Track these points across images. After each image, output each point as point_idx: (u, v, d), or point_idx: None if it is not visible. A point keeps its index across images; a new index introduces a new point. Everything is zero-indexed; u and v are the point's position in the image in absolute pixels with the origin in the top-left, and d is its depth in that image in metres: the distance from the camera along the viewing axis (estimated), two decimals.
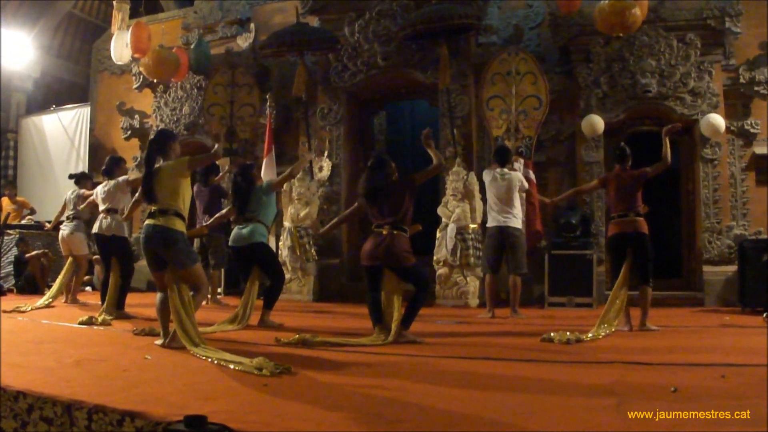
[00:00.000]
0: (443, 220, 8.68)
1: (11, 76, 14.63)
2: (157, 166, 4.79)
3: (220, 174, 8.91)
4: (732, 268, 8.49)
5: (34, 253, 10.29)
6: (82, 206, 8.11)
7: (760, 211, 8.91)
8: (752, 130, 8.97)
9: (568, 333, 5.14)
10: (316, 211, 9.54)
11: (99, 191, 7.40)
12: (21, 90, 15.20)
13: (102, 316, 6.33)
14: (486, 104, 9.13)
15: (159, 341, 4.73)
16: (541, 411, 2.81)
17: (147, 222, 4.74)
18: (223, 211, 6.92)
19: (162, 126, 11.18)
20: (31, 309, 7.38)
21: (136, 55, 10.50)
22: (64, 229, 8.26)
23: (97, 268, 9.76)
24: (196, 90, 11.29)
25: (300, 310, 8.03)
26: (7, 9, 13.97)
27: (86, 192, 8.15)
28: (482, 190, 7.93)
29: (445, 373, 3.78)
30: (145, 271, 6.71)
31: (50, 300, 7.95)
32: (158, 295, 4.78)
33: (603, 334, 5.42)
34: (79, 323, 6.07)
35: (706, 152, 8.80)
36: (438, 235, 8.70)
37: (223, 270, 9.31)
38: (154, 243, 4.66)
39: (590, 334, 5.30)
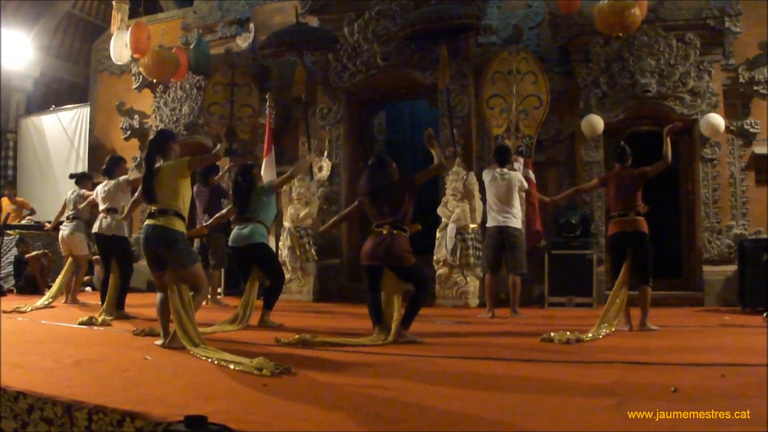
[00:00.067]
0: (443, 220, 8.68)
1: (11, 76, 14.63)
2: (157, 166, 4.79)
3: (220, 174, 8.91)
4: (732, 268, 8.50)
5: (33, 253, 10.29)
6: (82, 205, 8.10)
7: (760, 210, 8.91)
8: (752, 130, 8.98)
9: (568, 333, 5.14)
10: (315, 211, 9.54)
11: (99, 191, 7.40)
12: (20, 90, 15.20)
13: (102, 317, 6.33)
14: (486, 103, 9.14)
15: (159, 341, 4.73)
16: (541, 411, 2.81)
17: (147, 222, 4.74)
18: (224, 210, 6.92)
19: (161, 126, 11.18)
20: (31, 309, 7.38)
21: (136, 55, 10.49)
22: (64, 229, 8.26)
23: (97, 269, 9.75)
24: (195, 90, 11.28)
25: (300, 310, 8.03)
26: (7, 9, 13.96)
27: (86, 192, 8.15)
28: (482, 190, 7.93)
29: (445, 373, 3.78)
30: (145, 271, 6.72)
31: (50, 300, 7.95)
32: (158, 296, 4.78)
33: (603, 333, 5.42)
34: (79, 323, 6.07)
35: (705, 152, 8.81)
36: (438, 235, 8.70)
37: (223, 270, 9.31)
38: (154, 243, 4.66)
39: (590, 334, 5.31)
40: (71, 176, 8.82)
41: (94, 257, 9.01)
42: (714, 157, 8.81)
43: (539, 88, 9.01)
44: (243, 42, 11.55)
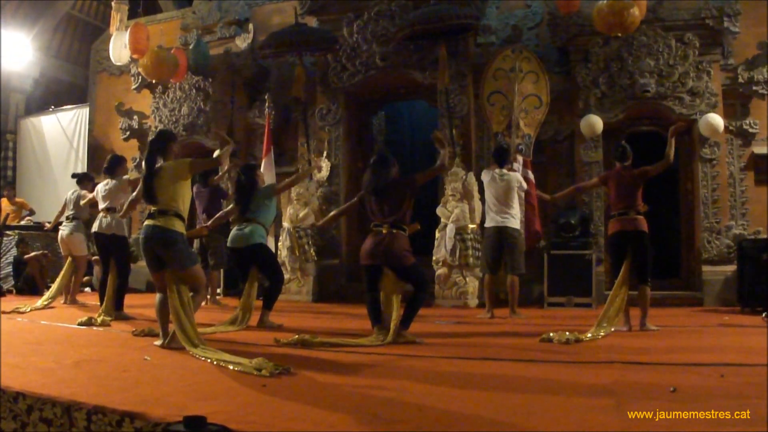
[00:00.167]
0: (442, 220, 8.68)
1: (10, 77, 14.63)
2: (157, 166, 4.79)
3: (219, 174, 8.90)
4: (731, 268, 8.50)
5: (33, 254, 10.29)
6: (83, 201, 8.08)
7: (759, 210, 8.91)
8: (751, 130, 8.98)
9: (567, 333, 5.15)
10: (315, 212, 9.53)
11: (100, 189, 7.40)
12: (20, 91, 15.20)
13: (101, 317, 6.32)
14: (487, 99, 9.10)
15: (158, 342, 4.73)
16: (541, 411, 2.81)
17: (146, 223, 4.75)
18: (224, 210, 6.91)
19: (161, 126, 11.17)
20: (31, 310, 7.38)
21: (135, 56, 10.48)
22: (64, 230, 8.25)
23: (97, 269, 9.74)
24: (194, 90, 11.27)
25: (299, 311, 8.03)
26: (6, 9, 13.96)
27: (86, 193, 8.14)
28: (481, 191, 7.93)
29: (444, 373, 3.78)
30: (145, 271, 6.71)
31: (49, 301, 7.95)
32: (157, 296, 4.78)
33: (602, 333, 5.42)
34: (79, 324, 6.07)
35: (705, 152, 8.81)
36: (437, 235, 8.70)
37: (222, 271, 9.31)
38: (153, 243, 4.66)
39: (589, 334, 5.31)
40: (73, 176, 8.82)
41: (94, 257, 9.01)
42: (713, 157, 8.81)
43: (540, 89, 9.00)
44: (242, 42, 11.55)
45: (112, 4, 10.82)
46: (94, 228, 7.20)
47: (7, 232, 10.99)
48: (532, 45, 9.86)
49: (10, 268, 10.52)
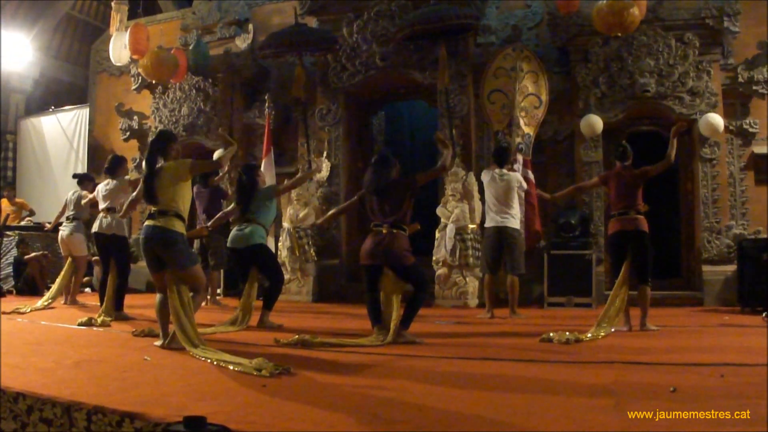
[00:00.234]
0: (442, 220, 8.68)
1: (10, 77, 14.62)
2: (158, 166, 4.79)
3: (220, 175, 8.90)
4: (731, 268, 8.50)
5: (33, 254, 10.29)
6: (85, 200, 8.08)
7: (759, 210, 8.91)
8: (751, 130, 8.97)
9: (567, 333, 5.15)
10: (314, 212, 9.54)
11: (100, 189, 7.40)
12: (20, 91, 15.19)
13: (101, 318, 6.32)
14: (487, 97, 9.08)
15: (158, 342, 4.73)
16: (540, 411, 2.81)
17: (147, 223, 4.74)
18: (225, 210, 6.91)
19: (161, 127, 11.16)
20: (31, 310, 7.38)
21: (135, 56, 10.48)
22: (64, 230, 8.25)
23: (97, 269, 9.74)
24: (194, 91, 11.27)
25: (299, 311, 8.03)
26: (6, 10, 13.95)
27: (87, 193, 8.13)
28: (481, 191, 7.92)
29: (444, 373, 3.78)
30: (145, 272, 6.70)
31: (49, 301, 7.95)
32: (157, 296, 4.78)
33: (602, 334, 5.42)
34: (79, 324, 6.07)
35: (705, 152, 8.80)
36: (437, 235, 8.70)
37: (222, 271, 9.31)
38: (153, 244, 4.66)
39: (589, 334, 5.31)
40: (74, 176, 8.82)
41: (94, 258, 9.01)
42: (713, 156, 8.81)
43: (540, 89, 9.00)
44: (242, 43, 11.54)
45: (112, 4, 10.82)
46: (94, 228, 7.20)
47: (7, 232, 10.98)
48: (531, 45, 9.85)
49: (10, 269, 10.52)
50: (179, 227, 4.68)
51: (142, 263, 5.71)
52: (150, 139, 5.76)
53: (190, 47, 11.14)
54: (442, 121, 9.48)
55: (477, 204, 8.57)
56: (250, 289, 6.27)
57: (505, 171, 7.30)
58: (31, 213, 12.47)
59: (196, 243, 8.39)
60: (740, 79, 8.96)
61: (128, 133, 12.28)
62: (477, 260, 8.35)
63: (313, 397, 3.09)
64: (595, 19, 8.00)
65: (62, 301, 8.31)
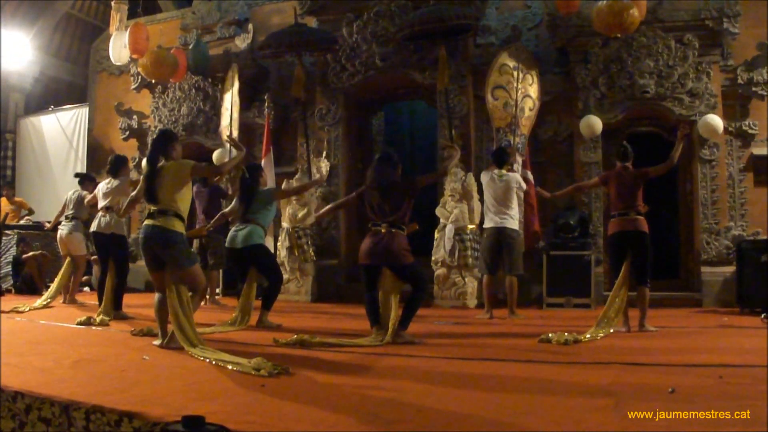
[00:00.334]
0: (441, 220, 8.68)
1: (10, 76, 14.62)
2: (159, 165, 4.79)
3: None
4: (730, 269, 8.49)
5: (31, 253, 10.28)
6: (87, 199, 8.05)
7: (758, 211, 8.91)
8: (750, 131, 8.97)
9: (566, 334, 5.15)
10: (313, 212, 9.53)
11: (101, 188, 7.39)
12: (19, 90, 15.20)
13: (100, 317, 6.32)
14: (491, 93, 9.06)
15: (157, 342, 4.73)
16: (539, 411, 2.81)
17: (146, 222, 4.74)
18: (225, 210, 6.92)
19: (160, 126, 11.17)
20: (29, 309, 7.38)
21: (135, 56, 10.49)
22: (63, 229, 8.24)
23: (96, 269, 9.74)
24: (194, 90, 11.27)
25: (298, 311, 8.03)
26: (6, 9, 13.95)
27: (87, 194, 8.11)
28: (480, 191, 7.92)
29: (442, 373, 3.78)
30: (144, 271, 6.71)
31: (48, 300, 7.94)
32: (156, 296, 4.78)
33: (601, 334, 5.43)
34: (77, 324, 6.07)
35: (704, 153, 8.81)
36: (436, 235, 8.70)
37: (221, 270, 9.31)
38: (152, 243, 4.65)
39: (588, 335, 5.31)
40: (76, 175, 8.81)
41: (93, 257, 9.00)
42: (712, 158, 8.81)
43: (534, 91, 9.01)
44: (242, 43, 11.55)
45: (112, 3, 10.82)
46: (93, 227, 7.19)
47: (6, 231, 10.97)
48: (531, 45, 9.86)
49: (9, 268, 10.52)
50: (179, 227, 4.68)
51: (141, 262, 5.71)
52: (151, 138, 5.75)
53: (190, 47, 11.14)
54: (441, 121, 9.49)
55: (476, 204, 8.57)
56: (248, 289, 6.27)
57: (504, 171, 7.30)
58: (30, 212, 12.47)
59: (196, 242, 8.39)
60: (740, 81, 8.95)
61: (128, 133, 12.28)
62: (476, 261, 8.35)
63: (311, 397, 3.09)
64: (595, 19, 8.00)
65: (61, 301, 8.31)
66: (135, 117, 12.27)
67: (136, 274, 9.95)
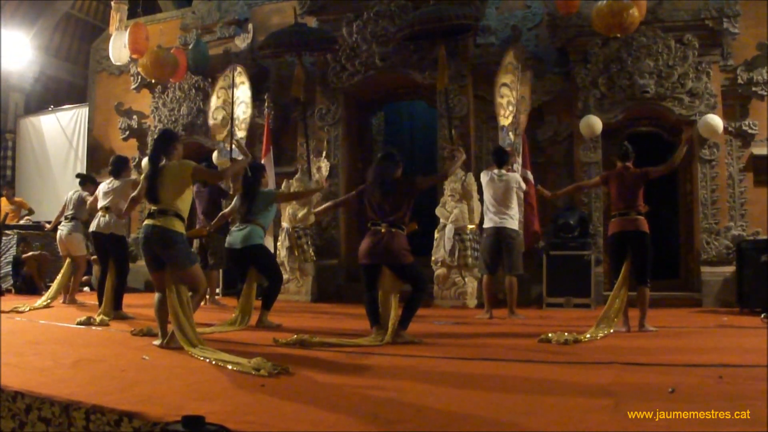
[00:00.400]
0: (441, 220, 8.68)
1: (9, 76, 14.61)
2: (160, 164, 4.78)
3: None
4: (730, 269, 8.49)
5: (30, 253, 10.28)
6: (89, 205, 8.04)
7: (758, 211, 8.91)
8: (750, 131, 8.97)
9: (565, 333, 5.15)
10: (313, 213, 9.52)
11: (102, 188, 7.38)
12: (19, 90, 15.19)
13: (100, 317, 6.32)
14: (498, 90, 9.03)
15: (157, 342, 4.73)
16: (539, 411, 2.81)
17: (146, 222, 4.74)
18: (223, 212, 6.92)
19: (160, 126, 11.17)
20: (29, 309, 7.37)
21: (134, 56, 10.49)
22: (62, 230, 8.24)
23: (96, 269, 9.74)
24: (194, 90, 11.28)
25: (298, 311, 8.02)
26: (6, 9, 13.95)
27: (88, 196, 8.09)
28: (480, 191, 7.92)
29: (442, 373, 3.78)
30: (143, 271, 6.70)
31: (49, 301, 7.93)
32: (156, 296, 4.78)
33: (601, 334, 5.42)
34: (77, 324, 6.07)
35: (704, 153, 8.80)
36: (436, 235, 8.70)
37: (221, 270, 9.31)
38: (153, 243, 4.65)
39: (588, 335, 5.31)
40: (78, 176, 8.80)
41: (93, 257, 8.99)
42: (712, 158, 8.80)
43: (527, 93, 8.98)
44: (241, 42, 11.54)
45: (112, 3, 10.82)
46: (92, 227, 7.18)
47: (6, 231, 10.97)
48: (531, 45, 9.88)
49: (9, 268, 10.51)
50: (179, 227, 4.68)
51: (141, 262, 5.71)
52: (152, 138, 5.75)
53: (190, 47, 11.14)
54: (441, 121, 9.49)
55: (476, 204, 8.56)
56: (248, 289, 6.27)
57: (504, 171, 7.30)
58: (30, 212, 12.46)
59: (196, 242, 8.38)
60: (740, 81, 8.96)
61: (127, 133, 12.28)
62: (476, 260, 8.35)
63: (311, 396, 3.09)
64: (595, 19, 8.00)
65: (61, 301, 8.30)
66: (135, 117, 12.27)
67: (136, 274, 9.95)
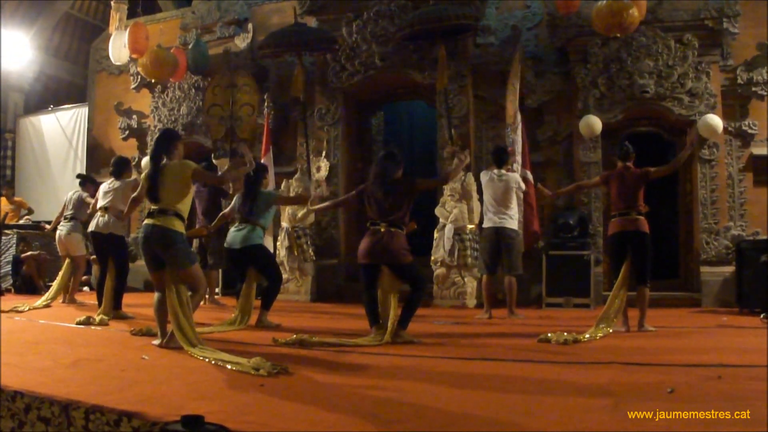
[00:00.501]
0: (441, 220, 8.68)
1: (9, 76, 14.59)
2: (161, 163, 4.78)
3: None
4: (729, 269, 8.50)
5: (29, 253, 10.28)
6: (90, 210, 8.01)
7: (758, 211, 8.91)
8: (750, 131, 8.97)
9: (565, 333, 5.15)
10: (313, 212, 9.52)
11: (102, 188, 7.38)
12: (19, 90, 15.17)
13: (99, 316, 6.32)
14: (511, 84, 8.92)
15: (156, 341, 4.73)
16: (538, 411, 2.81)
17: (146, 222, 4.74)
18: (223, 212, 6.91)
19: (160, 126, 11.18)
20: (29, 309, 7.37)
21: (134, 56, 10.49)
22: (61, 230, 8.23)
23: (95, 268, 9.73)
24: (194, 90, 11.28)
25: (297, 311, 8.02)
26: (6, 9, 13.94)
27: (88, 198, 8.07)
28: (479, 191, 7.92)
29: (442, 373, 3.77)
30: (143, 270, 6.69)
31: (48, 302, 7.93)
32: (156, 295, 4.77)
33: (600, 334, 5.42)
34: (77, 323, 6.07)
35: (703, 153, 8.80)
36: (435, 235, 8.70)
37: (221, 270, 9.30)
38: (152, 243, 4.65)
39: (587, 335, 5.31)
40: (78, 176, 8.79)
41: (92, 257, 8.99)
42: (712, 158, 8.80)
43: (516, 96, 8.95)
44: (241, 42, 11.54)
45: (112, 3, 10.81)
46: (91, 227, 7.17)
47: (6, 231, 10.96)
48: (531, 45, 9.87)
49: (9, 267, 10.51)
50: (179, 226, 4.68)
51: (141, 262, 5.70)
52: (154, 137, 5.74)
53: (190, 46, 11.14)
54: (441, 121, 9.49)
55: (475, 204, 8.57)
56: (248, 289, 6.27)
57: (503, 171, 7.31)
58: (30, 212, 12.45)
59: (195, 242, 8.38)
60: (739, 81, 8.95)
61: (127, 132, 12.28)
62: (475, 260, 8.35)
63: (311, 396, 3.08)
64: (595, 19, 8.00)
65: (60, 300, 8.30)
66: (134, 117, 12.27)
67: (136, 273, 9.94)
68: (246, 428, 2.44)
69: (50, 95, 15.38)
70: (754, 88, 8.90)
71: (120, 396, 2.91)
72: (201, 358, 4.08)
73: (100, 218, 7.11)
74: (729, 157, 9.04)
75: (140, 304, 7.52)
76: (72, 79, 15.96)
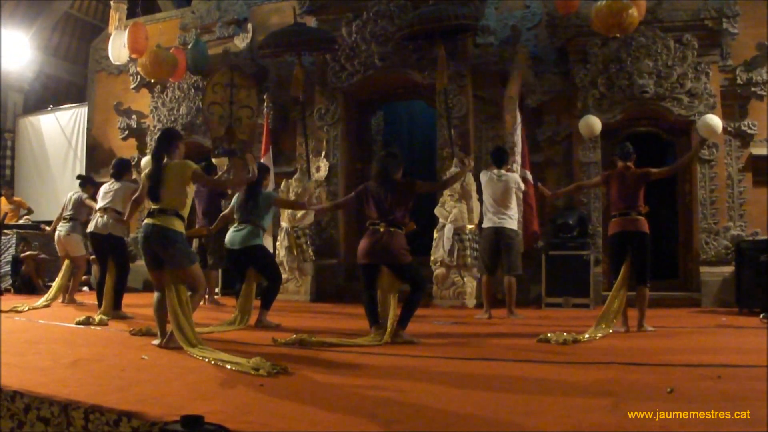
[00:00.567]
0: (440, 220, 8.68)
1: (9, 76, 14.57)
2: (163, 163, 4.78)
3: (219, 174, 8.87)
4: (729, 269, 8.49)
5: (28, 252, 10.27)
6: (90, 208, 8.01)
7: (757, 211, 8.91)
8: (749, 131, 8.97)
9: (564, 333, 5.15)
10: (312, 212, 9.52)
11: (103, 188, 7.37)
12: (18, 89, 15.16)
13: (99, 316, 6.32)
14: (509, 98, 8.98)
15: (156, 341, 4.73)
16: (538, 411, 2.81)
17: (146, 221, 4.74)
18: (223, 213, 6.91)
19: (159, 126, 11.18)
20: (29, 309, 7.37)
21: (134, 55, 10.47)
22: (61, 230, 8.22)
23: (95, 269, 9.73)
24: (193, 90, 11.28)
25: (297, 311, 8.02)
26: (5, 8, 13.93)
27: (88, 200, 8.06)
28: (479, 191, 7.92)
29: (441, 373, 3.77)
30: (143, 270, 6.68)
31: (49, 302, 7.92)
32: (155, 295, 4.77)
33: (600, 334, 5.43)
34: (76, 323, 6.07)
35: (703, 153, 8.78)
36: (435, 235, 8.70)
37: (220, 270, 9.30)
38: (152, 242, 4.65)
39: (587, 335, 5.31)
40: (78, 177, 8.79)
41: (92, 257, 8.98)
42: (711, 158, 8.80)
43: (513, 93, 8.95)
44: (241, 42, 11.54)
45: (111, 3, 10.78)
46: (90, 228, 7.17)
47: (5, 231, 10.96)
48: (530, 45, 9.86)
49: (8, 267, 10.51)
50: (178, 226, 4.68)
51: (141, 262, 5.70)
52: (155, 136, 5.74)
53: (189, 46, 11.13)
54: (440, 121, 9.49)
55: (475, 204, 8.57)
56: (248, 289, 6.27)
57: (503, 171, 7.30)
58: (29, 211, 12.45)
59: (195, 242, 8.38)
60: (739, 81, 8.96)
61: (126, 132, 12.29)
62: (475, 260, 8.35)
63: (310, 396, 3.08)
64: (594, 19, 7.98)
65: (60, 300, 8.29)
66: (134, 116, 12.28)
67: (135, 273, 9.92)
68: (246, 428, 2.44)
69: (50, 95, 15.38)
70: (753, 89, 8.91)
71: (119, 396, 2.91)
72: (201, 358, 4.08)
73: (99, 219, 7.11)
74: (728, 157, 9.04)
75: (140, 304, 7.52)
76: (71, 79, 15.95)
